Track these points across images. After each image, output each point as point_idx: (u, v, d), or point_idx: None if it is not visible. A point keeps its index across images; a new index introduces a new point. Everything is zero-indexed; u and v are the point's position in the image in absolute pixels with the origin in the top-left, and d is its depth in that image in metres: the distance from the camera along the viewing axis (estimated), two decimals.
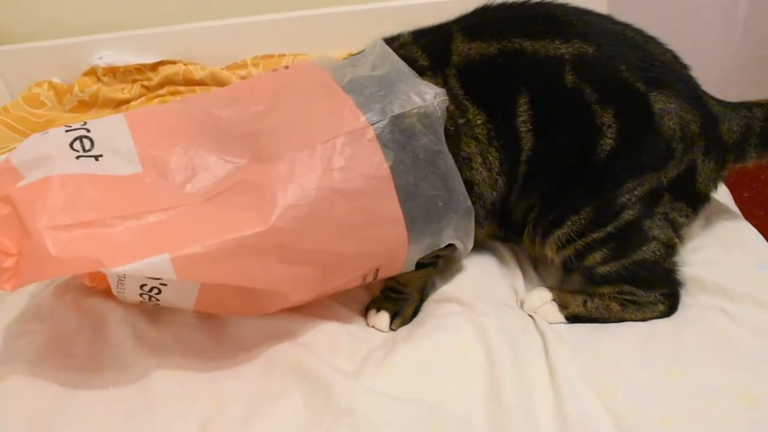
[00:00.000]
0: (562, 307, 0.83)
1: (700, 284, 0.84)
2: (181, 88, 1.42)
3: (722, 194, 1.00)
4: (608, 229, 0.80)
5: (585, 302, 0.83)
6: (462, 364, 0.75)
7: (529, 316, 0.84)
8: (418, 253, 0.80)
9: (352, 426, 0.68)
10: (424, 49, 0.87)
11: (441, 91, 0.78)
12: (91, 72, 1.48)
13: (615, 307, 0.82)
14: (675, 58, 0.87)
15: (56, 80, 1.49)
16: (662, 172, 0.81)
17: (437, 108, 0.77)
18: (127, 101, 1.44)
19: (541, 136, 0.81)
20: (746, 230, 0.93)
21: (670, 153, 0.80)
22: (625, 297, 0.82)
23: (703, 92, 0.86)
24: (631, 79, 0.80)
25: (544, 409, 0.69)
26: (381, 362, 0.76)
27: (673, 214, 0.83)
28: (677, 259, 0.84)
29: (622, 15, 0.89)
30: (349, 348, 0.80)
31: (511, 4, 0.89)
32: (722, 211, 0.98)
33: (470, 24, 0.88)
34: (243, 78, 1.42)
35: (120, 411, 0.72)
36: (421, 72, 0.82)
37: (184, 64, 1.44)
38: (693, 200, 0.86)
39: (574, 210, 0.81)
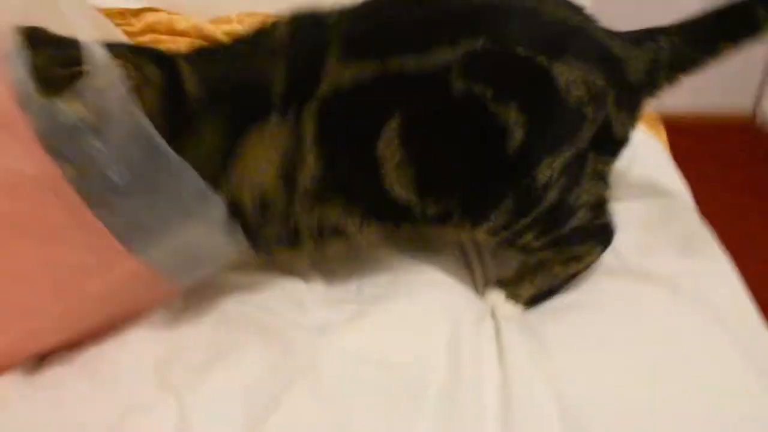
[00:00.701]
0: (515, 297, 0.85)
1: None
2: (164, 37, 1.40)
3: None
4: (534, 214, 0.79)
5: (532, 281, 0.85)
6: (425, 334, 0.77)
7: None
8: None
9: (311, 381, 0.70)
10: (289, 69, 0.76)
11: None
12: None
13: (558, 269, 0.84)
14: (569, 7, 0.81)
15: None
16: (578, 138, 0.78)
17: None
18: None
19: (428, 157, 0.77)
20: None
21: (582, 118, 0.77)
22: (565, 256, 0.84)
23: (603, 34, 0.81)
24: (530, 55, 0.74)
25: (491, 387, 0.72)
26: (345, 322, 0.78)
27: (599, 167, 0.82)
28: (607, 206, 0.85)
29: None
30: (311, 304, 0.82)
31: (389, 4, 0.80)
32: None
33: (348, 37, 0.77)
34: (227, 34, 1.40)
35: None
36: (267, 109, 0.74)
37: (168, 14, 1.42)
38: (613, 148, 0.84)
39: (494, 205, 0.79)
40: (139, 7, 1.43)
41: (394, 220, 0.83)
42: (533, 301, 0.85)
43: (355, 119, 0.76)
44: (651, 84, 0.83)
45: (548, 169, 0.76)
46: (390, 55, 0.74)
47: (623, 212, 0.89)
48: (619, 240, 0.87)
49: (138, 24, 1.42)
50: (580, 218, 0.81)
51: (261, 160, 0.75)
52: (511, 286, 0.86)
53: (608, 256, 0.87)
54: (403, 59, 0.74)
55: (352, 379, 0.72)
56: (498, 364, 0.75)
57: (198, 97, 0.75)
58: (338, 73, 0.74)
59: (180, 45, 1.36)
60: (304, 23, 0.79)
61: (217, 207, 0.69)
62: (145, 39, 1.41)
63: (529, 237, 0.81)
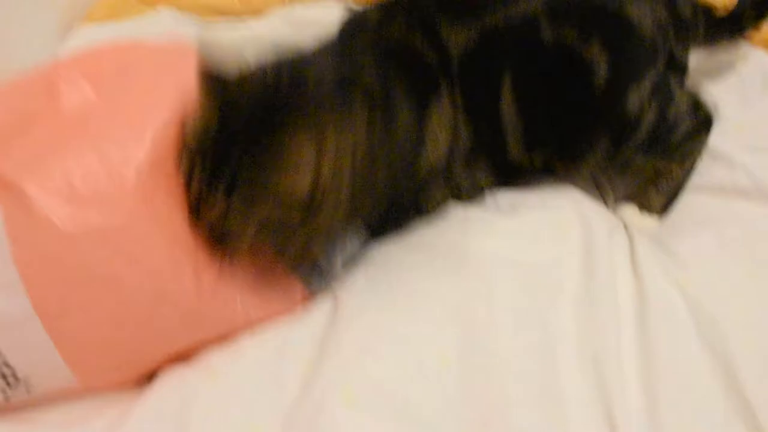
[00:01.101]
0: (648, 209, 0.88)
1: None
2: None
3: None
4: (636, 140, 0.83)
5: (657, 190, 0.88)
6: (561, 238, 0.81)
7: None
8: None
9: (455, 280, 0.76)
10: (425, 36, 0.80)
11: None
12: None
13: (675, 169, 0.88)
14: None
15: None
16: (656, 64, 0.83)
17: None
18: None
19: (533, 109, 0.81)
20: None
21: (655, 46, 0.83)
22: (678, 157, 0.88)
23: None
24: (600, 2, 0.81)
25: (626, 290, 0.76)
26: (483, 225, 0.83)
27: (678, 81, 0.88)
28: (700, 99, 0.89)
29: None
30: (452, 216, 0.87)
31: None
32: None
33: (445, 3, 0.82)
34: None
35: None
36: (432, 75, 0.79)
37: None
38: (680, 75, 0.89)
39: (591, 143, 0.83)
40: None
41: (509, 181, 0.89)
42: (665, 207, 0.88)
43: (482, 84, 0.80)
44: (694, 28, 0.90)
45: (637, 96, 0.81)
46: (481, 15, 0.79)
47: None
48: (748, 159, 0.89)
49: None
50: (684, 126, 0.86)
51: (439, 131, 0.80)
52: (640, 199, 0.89)
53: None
54: (493, 16, 0.79)
55: (492, 278, 0.76)
56: (632, 272, 0.78)
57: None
58: (456, 39, 0.79)
59: None
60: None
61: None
62: None
63: (638, 160, 0.86)
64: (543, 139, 0.84)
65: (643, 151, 0.85)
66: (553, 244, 0.81)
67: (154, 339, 0.68)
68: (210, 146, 0.65)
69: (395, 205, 0.80)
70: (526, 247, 0.80)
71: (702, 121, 0.88)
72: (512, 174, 0.88)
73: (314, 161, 0.63)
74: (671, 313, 0.73)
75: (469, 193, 0.88)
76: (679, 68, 0.89)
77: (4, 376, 0.62)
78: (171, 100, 0.69)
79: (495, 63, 0.80)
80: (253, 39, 1.31)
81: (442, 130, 0.80)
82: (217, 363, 0.69)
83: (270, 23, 1.39)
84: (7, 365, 0.61)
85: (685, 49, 0.90)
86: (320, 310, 0.75)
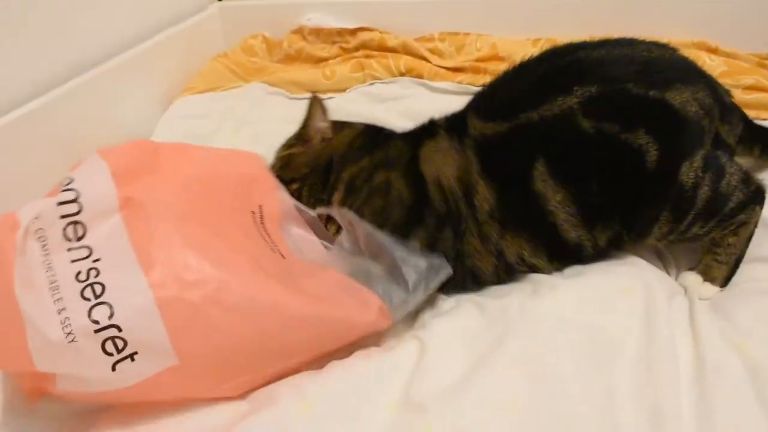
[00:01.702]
0: (712, 280, 0.93)
1: None
2: (375, 53, 1.59)
3: None
4: (693, 212, 0.90)
5: (717, 260, 0.94)
6: (622, 303, 0.86)
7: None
8: None
9: (519, 334, 0.82)
10: (446, 119, 1.03)
11: None
12: (299, 31, 1.70)
13: (731, 239, 0.94)
14: (660, 47, 0.97)
15: (268, 35, 1.72)
16: (704, 143, 0.91)
17: None
18: (326, 59, 1.64)
19: (571, 185, 0.90)
20: None
21: (702, 128, 0.90)
22: (732, 227, 0.93)
23: (693, 63, 1.00)
24: (642, 92, 0.88)
25: (685, 352, 0.80)
26: (550, 288, 0.89)
27: (728, 155, 0.95)
28: (750, 174, 0.95)
29: None
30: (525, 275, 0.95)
31: (512, 76, 1.00)
32: None
33: (480, 105, 1.00)
34: (430, 51, 1.57)
35: None
36: (435, 128, 1.01)
37: (380, 33, 1.62)
38: (729, 152, 0.97)
39: (655, 218, 0.91)
40: (355, 27, 1.64)
41: (570, 263, 0.96)
42: (727, 278, 0.93)
43: (506, 160, 0.93)
44: (737, 112, 1.01)
45: (691, 172, 0.88)
46: (515, 116, 0.92)
47: None
48: None
49: (353, 41, 1.64)
50: (736, 197, 0.92)
51: (438, 159, 0.97)
52: (703, 269, 0.95)
53: None
54: (527, 115, 0.91)
55: (555, 339, 0.82)
56: (691, 336, 0.83)
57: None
58: (480, 127, 0.96)
59: (389, 60, 1.56)
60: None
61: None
62: (359, 54, 1.61)
63: (695, 229, 0.92)
64: (603, 217, 0.91)
65: (700, 222, 0.91)
66: (616, 307, 0.86)
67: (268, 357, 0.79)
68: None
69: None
70: (589, 309, 0.86)
71: (754, 192, 0.94)
72: (572, 254, 0.95)
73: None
74: (730, 375, 0.77)
75: (522, 268, 0.95)
76: (726, 146, 0.96)
77: (115, 343, 0.68)
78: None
79: (522, 149, 0.92)
80: (333, 110, 1.44)
81: (437, 158, 0.97)
82: (308, 387, 0.77)
83: (350, 98, 1.51)
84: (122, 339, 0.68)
85: (731, 129, 0.98)
86: (407, 351, 0.82)
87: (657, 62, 0.94)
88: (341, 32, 1.65)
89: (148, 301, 0.69)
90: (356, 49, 1.63)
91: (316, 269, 0.88)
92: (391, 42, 1.59)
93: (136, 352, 0.68)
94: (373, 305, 0.84)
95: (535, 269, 0.95)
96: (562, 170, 0.89)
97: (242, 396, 0.79)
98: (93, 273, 0.70)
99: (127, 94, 1.42)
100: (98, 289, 0.70)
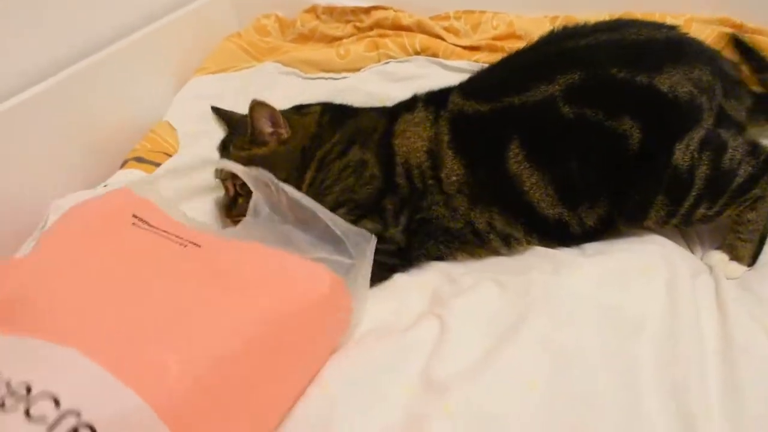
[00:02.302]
0: (737, 258, 0.91)
1: None
2: (389, 32, 1.57)
3: None
4: (694, 194, 0.88)
5: (739, 237, 0.91)
6: (645, 281, 0.85)
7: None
8: None
9: (541, 312, 0.80)
10: (428, 93, 1.06)
11: None
12: (312, 10, 1.67)
13: (749, 215, 0.91)
14: (654, 28, 0.97)
15: (281, 14, 1.70)
16: (701, 123, 0.89)
17: None
18: (340, 38, 1.62)
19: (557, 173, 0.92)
20: None
21: (698, 108, 0.89)
22: (746, 203, 0.90)
23: (693, 39, 0.98)
24: (628, 77, 0.88)
25: (710, 331, 0.79)
26: (571, 267, 0.88)
27: (732, 133, 0.91)
28: (760, 144, 0.92)
29: None
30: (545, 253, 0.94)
31: (504, 63, 1.05)
32: None
33: (466, 86, 1.03)
34: (446, 29, 1.55)
35: None
36: (415, 101, 1.02)
37: (394, 11, 1.59)
38: (735, 126, 0.94)
39: (649, 203, 0.90)
40: (369, 5, 1.61)
41: (555, 238, 0.97)
42: (753, 257, 0.91)
43: (479, 138, 0.95)
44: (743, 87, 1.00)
45: (686, 154, 0.87)
46: (497, 99, 0.95)
47: None
48: None
49: (367, 20, 1.61)
50: (744, 171, 0.89)
51: (411, 132, 0.99)
52: (728, 249, 0.93)
53: None
54: (509, 99, 0.94)
55: (577, 317, 0.81)
56: (717, 315, 0.81)
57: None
58: (460, 104, 0.98)
59: (404, 39, 1.53)
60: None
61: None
62: (372, 33, 1.59)
63: (702, 211, 0.90)
64: (587, 198, 0.92)
65: (706, 203, 0.89)
66: (638, 285, 0.85)
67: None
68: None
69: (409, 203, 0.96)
70: (612, 288, 0.85)
71: (765, 162, 0.90)
72: (556, 231, 0.96)
73: None
74: (758, 355, 0.75)
75: (494, 237, 0.96)
76: (732, 121, 0.94)
77: None
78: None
79: (498, 128, 0.94)
80: (348, 89, 1.42)
81: (411, 132, 0.99)
82: (325, 371, 0.76)
83: (364, 77, 1.49)
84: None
85: (739, 104, 0.96)
86: (426, 329, 0.81)
87: (647, 45, 0.94)
88: (355, 11, 1.62)
89: (94, 369, 0.56)
90: (370, 28, 1.60)
91: (243, 248, 0.79)
92: (406, 20, 1.56)
93: None
94: (324, 278, 0.76)
95: (510, 239, 0.96)
96: (538, 153, 0.91)
97: None
98: (3, 389, 0.56)
99: (139, 75, 1.41)
100: (22, 390, 0.55)
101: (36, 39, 1.19)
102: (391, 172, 0.98)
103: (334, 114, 1.10)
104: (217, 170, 1.03)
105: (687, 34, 1.00)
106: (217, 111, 1.15)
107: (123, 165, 1.25)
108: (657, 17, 1.34)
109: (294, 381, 0.73)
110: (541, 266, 0.90)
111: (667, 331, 0.78)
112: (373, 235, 0.84)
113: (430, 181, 0.96)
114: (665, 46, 0.95)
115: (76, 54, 1.26)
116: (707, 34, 1.29)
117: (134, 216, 0.80)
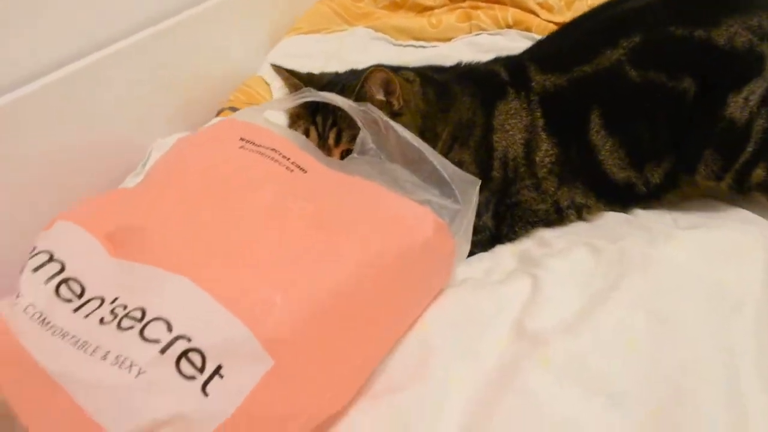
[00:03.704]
0: None
1: None
2: (482, 4, 1.57)
3: None
4: (749, 150, 0.89)
5: None
6: (742, 256, 0.83)
7: None
8: None
9: (638, 277, 0.80)
10: (507, 68, 1.03)
11: None
12: None
13: None
14: None
15: None
16: (764, 73, 0.88)
17: None
18: (431, 8, 1.63)
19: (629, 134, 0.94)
20: None
21: (760, 57, 0.88)
22: None
23: None
24: (687, 33, 0.90)
25: None
26: (668, 238, 0.87)
27: None
28: None
29: None
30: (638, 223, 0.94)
31: (565, 31, 1.08)
32: None
33: (538, 57, 1.03)
34: (539, 5, 1.54)
35: None
36: (504, 86, 1.00)
37: None
38: None
39: (698, 156, 0.92)
40: None
41: (620, 201, 0.99)
42: None
43: (567, 114, 0.97)
44: None
45: (742, 107, 0.88)
46: (570, 68, 0.96)
47: None
48: None
49: None
50: None
51: (510, 126, 0.99)
52: None
53: None
54: (581, 68, 0.95)
55: (675, 285, 0.80)
56: None
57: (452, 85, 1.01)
58: (542, 80, 0.98)
59: (497, 12, 1.53)
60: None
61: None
62: (465, 4, 1.60)
63: (759, 171, 0.91)
64: (653, 157, 0.95)
65: (763, 164, 0.90)
66: (737, 263, 0.83)
67: None
68: None
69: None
70: (711, 262, 0.83)
71: None
72: (623, 194, 0.98)
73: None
74: None
75: (571, 211, 0.99)
76: None
77: (191, 360, 0.56)
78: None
79: (580, 101, 0.96)
80: (437, 57, 1.43)
81: (510, 124, 0.98)
82: (424, 319, 0.78)
83: (455, 47, 1.50)
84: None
85: None
86: (520, 284, 0.82)
87: None
88: None
89: (204, 298, 0.58)
90: None
91: (347, 182, 0.79)
92: None
93: (220, 366, 0.55)
94: (428, 220, 0.75)
95: (583, 209, 0.99)
96: (613, 120, 0.94)
97: None
98: (120, 310, 0.59)
99: (235, 31, 1.45)
100: (137, 314, 0.58)
101: None
102: (487, 168, 0.98)
103: (435, 89, 1.01)
104: (291, 118, 0.98)
105: None
106: (291, 72, 0.98)
107: (218, 113, 1.29)
108: None
109: (394, 322, 0.74)
110: (634, 235, 0.89)
111: (765, 314, 0.77)
112: (479, 180, 0.83)
113: (523, 168, 0.98)
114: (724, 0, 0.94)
115: (179, 5, 1.30)
116: None
117: (241, 139, 0.80)
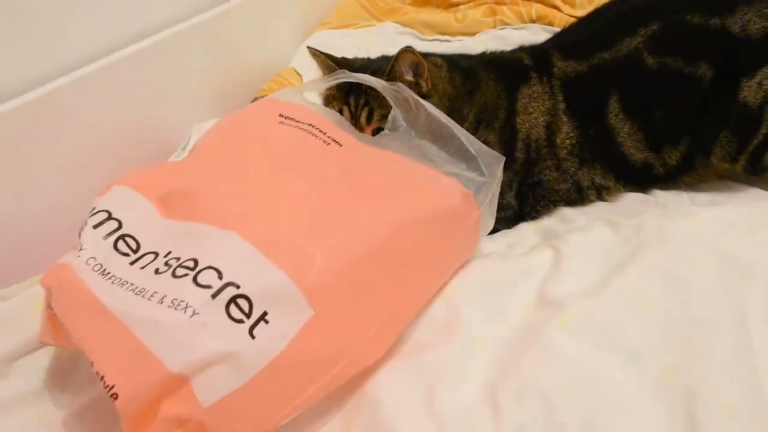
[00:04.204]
0: None
1: None
2: (506, 0, 1.62)
3: None
4: (763, 131, 0.94)
5: None
6: (755, 230, 0.87)
7: None
8: None
9: (655, 248, 0.84)
10: (531, 55, 1.08)
11: None
12: None
13: None
14: None
15: None
16: None
17: None
18: (457, 4, 1.68)
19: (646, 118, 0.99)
20: None
21: None
22: None
23: None
24: (703, 21, 0.94)
25: None
26: (685, 214, 0.91)
27: None
28: None
29: None
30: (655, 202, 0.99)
31: (585, 21, 1.12)
32: None
33: (561, 45, 1.08)
34: (563, 0, 1.59)
35: None
36: (527, 71, 1.04)
37: None
38: None
39: (714, 138, 0.97)
40: None
41: (638, 182, 1.04)
42: None
43: (587, 98, 1.02)
44: None
45: (757, 91, 0.93)
46: (590, 55, 1.02)
47: None
48: None
49: None
50: None
51: (533, 108, 1.03)
52: None
53: None
54: (600, 55, 1.01)
55: (690, 255, 0.84)
56: None
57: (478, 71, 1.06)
58: (563, 66, 1.03)
59: (521, 7, 1.58)
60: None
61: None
62: (489, 0, 1.64)
63: None
64: (670, 140, 0.99)
65: None
66: (749, 234, 0.87)
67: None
68: None
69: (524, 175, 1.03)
70: (724, 234, 0.87)
71: None
72: (641, 175, 1.03)
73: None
74: None
75: (591, 191, 1.04)
76: None
77: (239, 305, 0.61)
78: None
79: (599, 86, 1.01)
80: (462, 50, 1.48)
81: (532, 107, 1.03)
82: (451, 285, 0.83)
83: (480, 40, 1.55)
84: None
85: None
86: (543, 255, 0.87)
87: None
88: None
89: (250, 250, 0.63)
90: None
91: (380, 155, 0.85)
92: None
93: (266, 312, 0.60)
94: (455, 190, 0.80)
95: (602, 189, 1.04)
96: (631, 104, 0.99)
97: None
98: (174, 261, 0.64)
99: (270, 24, 1.51)
100: (190, 264, 0.63)
101: None
102: (511, 149, 1.02)
103: (462, 73, 1.07)
104: (327, 99, 1.04)
105: None
106: (327, 56, 1.04)
107: (253, 101, 1.35)
108: None
109: (424, 284, 0.79)
110: (651, 212, 0.94)
111: None
112: (503, 157, 0.87)
113: (545, 150, 1.03)
114: None
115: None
116: None
117: (281, 115, 0.87)
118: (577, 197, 1.04)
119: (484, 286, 0.83)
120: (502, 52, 1.14)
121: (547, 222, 1.00)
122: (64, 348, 0.72)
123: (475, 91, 1.04)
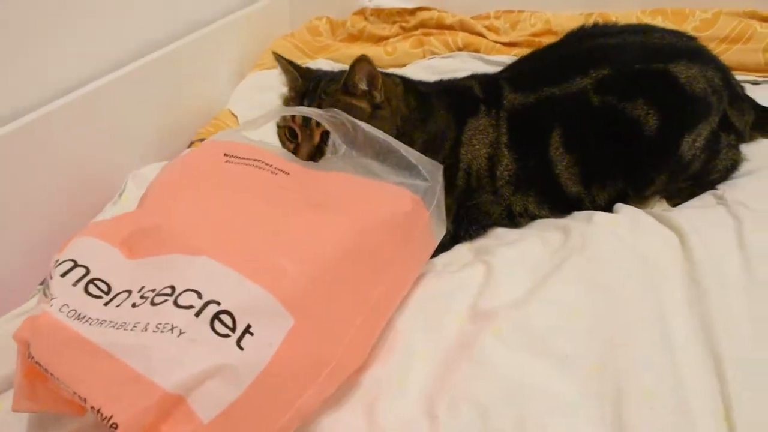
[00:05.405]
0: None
1: None
2: (433, 31, 1.68)
3: None
4: (682, 178, 1.05)
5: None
6: (666, 231, 0.93)
7: None
8: None
9: (579, 257, 0.88)
10: (482, 85, 1.10)
11: None
12: (361, 12, 1.80)
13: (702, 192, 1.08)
14: (676, 36, 1.10)
15: (332, 16, 1.82)
16: (710, 121, 1.02)
17: None
18: (387, 38, 1.73)
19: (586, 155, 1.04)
20: None
21: (709, 105, 1.02)
22: (708, 188, 1.07)
23: (707, 50, 1.11)
24: (645, 67, 1.01)
25: (730, 268, 0.86)
26: (605, 220, 0.96)
27: (731, 140, 1.06)
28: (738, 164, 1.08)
29: None
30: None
31: (540, 54, 1.17)
32: None
33: (512, 76, 1.11)
34: (486, 27, 1.65)
35: None
36: (477, 102, 1.07)
37: (438, 11, 1.71)
38: (737, 136, 1.09)
39: (652, 180, 1.05)
40: (414, 6, 1.73)
41: (569, 211, 1.07)
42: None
43: (531, 129, 1.05)
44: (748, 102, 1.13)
45: (692, 148, 1.02)
46: (540, 89, 1.05)
47: None
48: None
49: (413, 20, 1.73)
50: (718, 176, 1.07)
51: (476, 141, 1.05)
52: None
53: None
54: (550, 90, 1.04)
55: (612, 258, 0.89)
56: (739, 253, 0.88)
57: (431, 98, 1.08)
58: (512, 98, 1.07)
59: (447, 37, 1.64)
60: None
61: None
62: (417, 32, 1.70)
63: (682, 199, 1.07)
64: (603, 178, 1.05)
65: (684, 185, 1.07)
66: (660, 235, 0.93)
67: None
68: None
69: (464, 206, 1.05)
70: (641, 237, 0.93)
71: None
72: (573, 207, 1.06)
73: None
74: None
75: (523, 219, 1.07)
76: (734, 129, 1.08)
77: (223, 320, 0.63)
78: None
79: (544, 119, 1.05)
80: None
81: (477, 140, 1.05)
82: None
83: (411, 71, 1.60)
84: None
85: (741, 115, 1.09)
86: (475, 271, 0.90)
87: (668, 46, 1.07)
88: (401, 12, 1.74)
89: (224, 270, 0.66)
90: (415, 27, 1.72)
91: (329, 176, 0.89)
92: (449, 20, 1.68)
93: (249, 325, 0.63)
94: (405, 196, 0.85)
95: (536, 219, 1.07)
96: (572, 139, 1.03)
97: None
98: (150, 293, 0.65)
99: (204, 68, 1.54)
100: (168, 291, 0.65)
101: (116, 32, 1.32)
102: (452, 177, 1.04)
103: (417, 98, 1.08)
104: (284, 118, 1.03)
105: (705, 46, 1.13)
106: (290, 62, 1.06)
107: (190, 145, 1.37)
108: (687, 12, 1.44)
109: (393, 284, 0.82)
110: (576, 218, 1.01)
111: (689, 276, 0.85)
112: (442, 165, 0.91)
113: (485, 179, 1.05)
114: (684, 48, 1.08)
115: (153, 45, 1.38)
116: (732, 27, 1.38)
117: (225, 155, 0.90)
118: (509, 222, 1.07)
119: (420, 303, 0.86)
120: (456, 81, 1.16)
121: (481, 241, 1.03)
122: (42, 410, 0.71)
123: (428, 117, 1.07)
